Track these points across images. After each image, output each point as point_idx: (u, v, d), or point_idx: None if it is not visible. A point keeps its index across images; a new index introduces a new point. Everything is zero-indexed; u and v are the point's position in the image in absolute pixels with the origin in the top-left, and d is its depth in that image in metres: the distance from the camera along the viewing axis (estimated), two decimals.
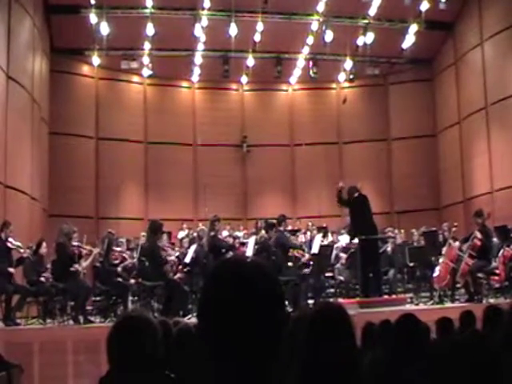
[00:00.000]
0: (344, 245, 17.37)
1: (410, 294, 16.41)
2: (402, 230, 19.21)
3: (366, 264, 15.14)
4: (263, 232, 16.40)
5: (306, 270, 15.89)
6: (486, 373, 3.76)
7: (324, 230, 19.22)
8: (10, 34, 17.64)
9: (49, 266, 14.62)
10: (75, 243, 14.38)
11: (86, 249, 14.85)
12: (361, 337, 6.32)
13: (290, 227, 19.59)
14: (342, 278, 17.04)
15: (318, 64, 25.61)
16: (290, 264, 15.43)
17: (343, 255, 17.14)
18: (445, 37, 25.33)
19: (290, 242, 16.00)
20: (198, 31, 22.77)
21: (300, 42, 24.53)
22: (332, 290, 17.26)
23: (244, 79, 26.26)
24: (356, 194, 15.77)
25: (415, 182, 25.59)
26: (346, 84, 27.07)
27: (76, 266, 13.99)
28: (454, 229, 16.42)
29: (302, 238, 18.67)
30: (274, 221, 16.09)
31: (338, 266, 17.17)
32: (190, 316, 13.67)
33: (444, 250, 15.61)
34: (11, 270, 13.51)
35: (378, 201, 21.51)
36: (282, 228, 15.70)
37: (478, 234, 14.79)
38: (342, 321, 3.17)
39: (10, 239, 13.53)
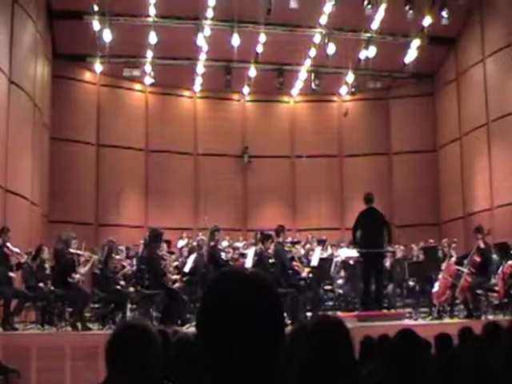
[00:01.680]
0: (344, 258, 17.35)
1: (409, 309, 16.37)
2: (402, 246, 19.15)
3: (367, 278, 15.13)
4: (260, 244, 16.36)
5: (305, 282, 15.85)
6: None
7: (323, 243, 19.21)
8: (13, 39, 17.67)
9: (48, 271, 14.64)
10: (73, 250, 14.38)
11: (85, 255, 14.86)
12: (359, 351, 6.30)
13: (289, 239, 19.60)
14: (340, 291, 17.02)
15: (320, 76, 25.65)
16: (288, 276, 15.40)
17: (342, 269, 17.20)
18: (447, 52, 25.40)
19: (287, 260, 15.84)
20: (201, 41, 22.79)
21: (302, 54, 24.56)
22: (331, 303, 17.24)
23: (246, 90, 26.28)
24: (367, 206, 15.63)
25: (415, 196, 25.61)
26: (348, 97, 27.13)
27: (74, 275, 14.02)
28: (453, 245, 16.43)
29: (301, 251, 18.64)
30: (271, 232, 16.08)
31: (337, 279, 17.17)
32: (188, 325, 13.66)
33: (443, 265, 15.62)
34: (11, 274, 13.54)
35: None
36: (280, 239, 15.66)
37: (481, 244, 14.81)
38: (340, 334, 3.16)
39: (8, 244, 13.53)
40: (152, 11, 21.81)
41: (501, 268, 14.82)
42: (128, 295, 14.83)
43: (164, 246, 15.91)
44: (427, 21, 22.01)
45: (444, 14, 21.62)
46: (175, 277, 15.62)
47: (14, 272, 13.74)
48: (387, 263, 17.31)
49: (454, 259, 15.73)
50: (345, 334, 3.17)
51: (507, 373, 3.90)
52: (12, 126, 17.26)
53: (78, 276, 14.14)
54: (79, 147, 24.17)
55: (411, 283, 16.60)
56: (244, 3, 21.15)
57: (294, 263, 15.87)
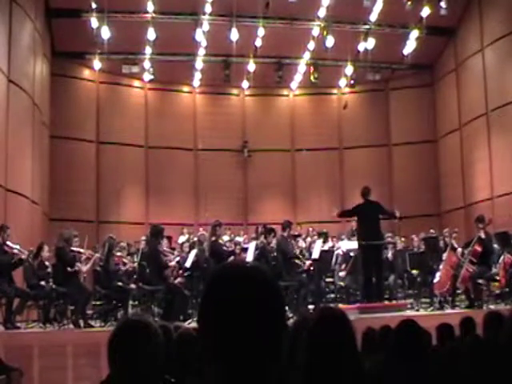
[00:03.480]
0: (344, 250, 17.36)
1: (411, 300, 16.40)
2: (403, 237, 19.16)
3: (368, 269, 15.16)
4: (262, 237, 16.39)
5: (306, 275, 15.87)
6: (487, 378, 3.75)
7: (324, 235, 19.22)
8: (11, 38, 17.66)
9: (49, 270, 14.64)
10: (75, 248, 14.39)
11: (87, 253, 14.87)
12: (361, 342, 6.31)
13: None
14: (341, 283, 17.04)
15: (319, 69, 25.61)
16: (290, 269, 15.42)
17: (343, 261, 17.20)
18: (446, 42, 25.37)
19: (291, 251, 15.92)
20: (199, 36, 22.77)
21: (301, 47, 24.53)
22: (332, 296, 17.26)
23: (245, 84, 26.21)
24: (363, 200, 15.71)
25: (416, 187, 25.60)
26: (347, 89, 27.06)
27: (78, 264, 14.05)
28: (454, 235, 16.43)
29: (302, 244, 18.67)
30: (275, 227, 16.11)
31: (338, 271, 17.17)
32: (190, 320, 13.67)
33: (444, 255, 15.62)
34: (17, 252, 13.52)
35: None
36: (286, 234, 15.71)
37: (482, 234, 14.84)
38: (342, 326, 3.17)
39: (8, 242, 13.53)
40: (150, 7, 21.78)
41: (502, 257, 14.83)
42: (130, 292, 14.83)
43: (164, 242, 15.92)
44: (426, 11, 21.96)
45: (442, 4, 21.56)
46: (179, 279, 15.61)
47: (15, 269, 13.74)
48: (389, 254, 17.31)
49: (459, 250, 15.74)
50: (347, 326, 3.18)
51: (508, 362, 3.91)
52: (11, 125, 17.27)
53: (79, 264, 14.18)
54: (79, 145, 24.18)
55: (413, 272, 16.62)
56: None
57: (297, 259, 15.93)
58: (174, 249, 18.14)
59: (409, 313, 14.57)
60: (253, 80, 25.57)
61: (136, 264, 15.46)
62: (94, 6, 20.95)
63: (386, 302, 15.81)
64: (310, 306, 15.40)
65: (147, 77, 24.87)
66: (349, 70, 25.24)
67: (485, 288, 15.18)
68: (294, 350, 3.14)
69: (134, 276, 15.43)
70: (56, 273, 14.25)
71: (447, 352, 4.49)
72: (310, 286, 15.87)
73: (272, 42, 23.30)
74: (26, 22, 19.03)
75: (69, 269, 13.85)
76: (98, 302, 15.79)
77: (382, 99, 27.52)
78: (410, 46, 23.89)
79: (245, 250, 17.03)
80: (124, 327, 3.18)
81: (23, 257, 13.82)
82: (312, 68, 25.65)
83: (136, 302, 15.67)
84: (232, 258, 15.56)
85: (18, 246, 13.74)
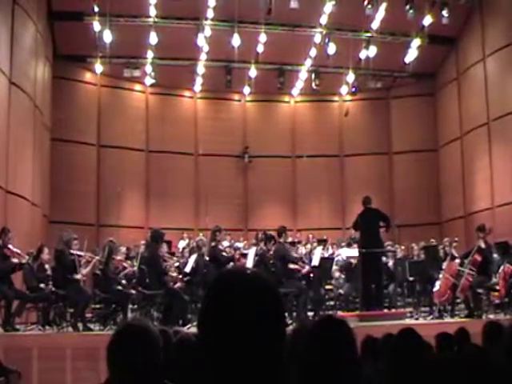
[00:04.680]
0: (344, 258, 17.34)
1: (410, 309, 16.39)
2: (403, 246, 19.14)
3: (367, 277, 15.15)
4: (262, 244, 16.35)
5: (306, 282, 15.84)
6: None
7: (324, 243, 19.21)
8: (13, 40, 17.65)
9: (49, 272, 14.63)
10: (74, 251, 14.35)
11: (86, 256, 14.84)
12: (360, 350, 6.30)
13: (290, 239, 19.57)
14: (341, 290, 17.00)
15: (321, 76, 25.63)
16: (289, 276, 15.39)
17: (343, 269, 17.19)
18: (447, 51, 25.39)
19: (290, 256, 15.89)
20: (201, 41, 22.77)
21: (303, 54, 24.55)
22: (331, 303, 17.24)
23: (246, 90, 26.20)
24: (363, 208, 15.82)
25: (416, 196, 25.61)
26: (348, 97, 27.09)
27: (76, 276, 13.99)
28: (454, 244, 16.42)
29: (302, 250, 18.65)
30: (273, 233, 16.08)
31: (338, 278, 17.14)
32: (189, 325, 13.64)
33: (444, 264, 15.61)
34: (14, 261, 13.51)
35: None
36: (282, 240, 15.67)
37: (482, 243, 14.83)
38: (343, 334, 3.16)
39: (9, 246, 13.51)
40: (152, 12, 21.82)
41: (502, 267, 14.82)
42: (129, 296, 14.80)
43: (164, 246, 15.89)
44: (428, 20, 22.00)
45: (444, 13, 21.64)
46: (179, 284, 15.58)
47: (15, 272, 13.72)
48: (390, 263, 17.31)
49: (457, 261, 15.72)
50: (348, 334, 3.17)
51: (509, 373, 3.89)
52: (12, 127, 17.26)
53: (79, 276, 14.13)
54: (80, 148, 24.17)
55: (411, 278, 16.62)
56: (244, 3, 21.12)
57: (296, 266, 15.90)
58: (173, 253, 18.11)
59: (408, 321, 14.57)
60: (254, 86, 25.59)
61: (136, 268, 15.43)
62: (96, 9, 20.95)
63: (386, 310, 15.81)
64: (310, 314, 15.37)
65: (149, 81, 24.92)
66: (350, 77, 25.26)
67: (484, 298, 15.17)
68: (291, 357, 3.13)
69: (134, 280, 15.42)
70: (55, 275, 14.25)
71: (445, 361, 4.48)
72: (309, 293, 15.84)
73: (274, 48, 23.32)
74: (28, 24, 19.04)
75: (69, 276, 13.84)
76: (97, 306, 15.79)
77: (383, 107, 27.56)
78: (411, 55, 23.92)
79: (244, 255, 17.01)
80: (123, 331, 3.17)
81: (23, 261, 13.81)
82: (313, 75, 25.66)
83: (135, 306, 15.64)
84: (231, 263, 15.54)
85: (18, 250, 13.73)
